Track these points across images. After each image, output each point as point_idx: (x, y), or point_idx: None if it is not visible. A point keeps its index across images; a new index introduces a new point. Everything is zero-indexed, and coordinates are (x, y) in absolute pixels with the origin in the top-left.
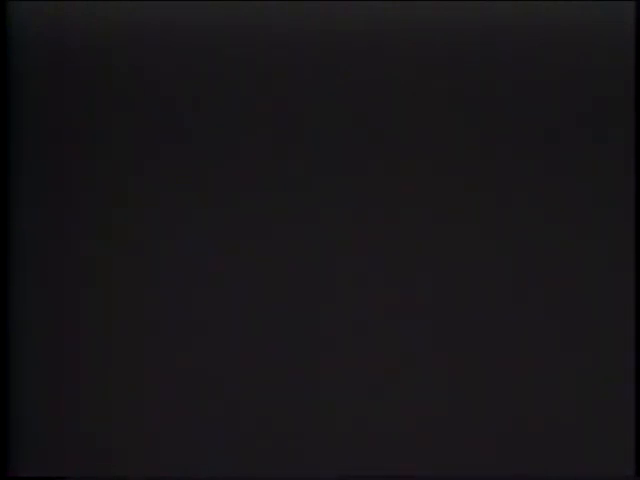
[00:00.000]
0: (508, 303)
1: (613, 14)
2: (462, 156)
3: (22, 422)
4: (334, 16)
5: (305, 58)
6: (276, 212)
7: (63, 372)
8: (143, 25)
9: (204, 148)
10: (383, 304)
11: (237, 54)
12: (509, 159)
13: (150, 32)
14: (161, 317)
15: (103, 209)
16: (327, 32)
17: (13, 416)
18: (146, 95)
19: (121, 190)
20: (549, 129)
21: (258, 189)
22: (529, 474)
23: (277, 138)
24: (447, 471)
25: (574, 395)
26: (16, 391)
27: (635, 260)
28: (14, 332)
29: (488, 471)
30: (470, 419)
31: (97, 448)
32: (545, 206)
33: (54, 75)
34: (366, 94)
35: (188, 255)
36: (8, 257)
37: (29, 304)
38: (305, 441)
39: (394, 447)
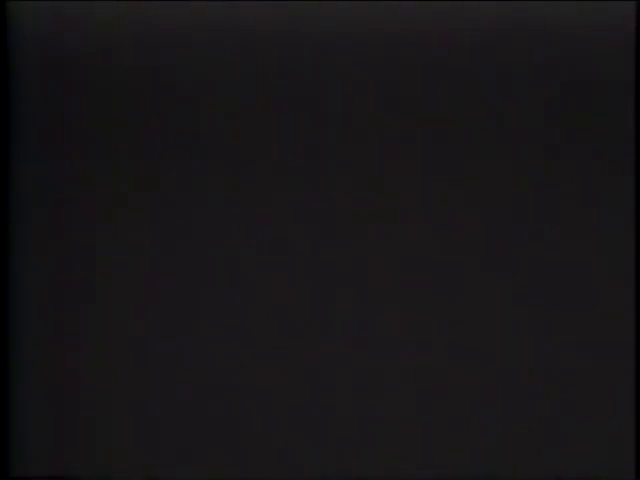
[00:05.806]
0: (508, 303)
1: (613, 14)
2: (461, 156)
3: (22, 422)
4: (334, 16)
5: (305, 58)
6: (276, 213)
7: (63, 372)
8: (143, 25)
9: (204, 148)
10: (383, 305)
11: (237, 54)
12: (508, 159)
13: (150, 32)
14: (161, 317)
15: (103, 209)
16: (326, 32)
17: (13, 416)
18: (146, 95)
19: (121, 190)
20: (548, 129)
21: (258, 189)
22: (529, 475)
23: (277, 139)
24: (447, 471)
25: (574, 396)
26: (16, 391)
27: (635, 260)
28: (14, 332)
29: (488, 472)
30: (470, 420)
31: (97, 448)
32: (545, 206)
33: (54, 75)
34: (366, 95)
35: (189, 256)
36: (8, 257)
37: (29, 304)
38: (305, 441)
39: (393, 447)
